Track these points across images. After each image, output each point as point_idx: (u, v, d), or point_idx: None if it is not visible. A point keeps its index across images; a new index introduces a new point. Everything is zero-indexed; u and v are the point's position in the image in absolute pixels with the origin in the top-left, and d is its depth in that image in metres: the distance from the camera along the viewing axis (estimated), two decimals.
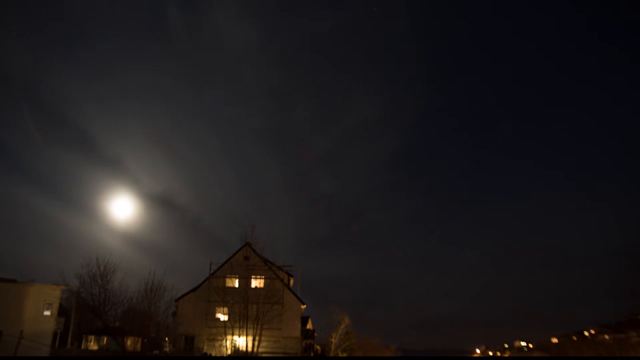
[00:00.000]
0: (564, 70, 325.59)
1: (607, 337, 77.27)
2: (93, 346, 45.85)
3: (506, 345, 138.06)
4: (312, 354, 49.45)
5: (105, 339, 44.55)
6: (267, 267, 37.08)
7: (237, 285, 36.62)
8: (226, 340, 33.37)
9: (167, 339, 40.19)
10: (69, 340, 44.67)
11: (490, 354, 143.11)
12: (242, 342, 32.97)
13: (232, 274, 37.01)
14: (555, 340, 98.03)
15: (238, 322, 32.69)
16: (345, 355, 50.04)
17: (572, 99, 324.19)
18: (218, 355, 33.78)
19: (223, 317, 35.14)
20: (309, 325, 57.10)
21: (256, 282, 37.01)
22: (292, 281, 41.09)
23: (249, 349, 31.85)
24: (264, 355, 33.40)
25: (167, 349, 38.27)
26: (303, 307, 38.12)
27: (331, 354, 48.73)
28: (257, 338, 32.06)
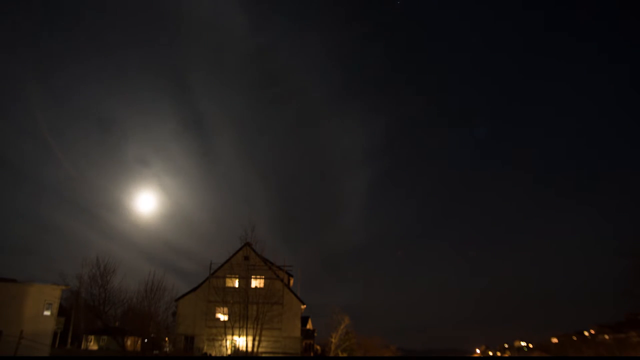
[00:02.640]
0: (540, 72, 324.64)
1: (607, 337, 77.18)
2: (93, 346, 45.92)
3: (506, 345, 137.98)
4: (312, 354, 49.48)
5: (105, 339, 44.62)
6: (267, 267, 37.09)
7: (237, 285, 36.62)
8: (226, 340, 33.36)
9: (167, 339, 40.22)
10: (69, 340, 44.71)
11: (490, 354, 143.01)
12: (242, 342, 32.97)
13: (232, 274, 37.02)
14: (555, 340, 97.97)
15: (238, 322, 32.69)
16: (345, 355, 50.04)
17: (552, 99, 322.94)
18: (218, 355, 33.79)
19: (223, 317, 35.15)
20: (309, 325, 57.10)
21: (256, 282, 37.02)
22: (292, 281, 41.10)
23: (249, 349, 31.85)
24: (264, 355, 33.40)
25: (167, 349, 38.30)
26: (303, 307, 38.12)
27: (331, 354, 48.73)
28: (257, 338, 32.06)
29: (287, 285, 38.55)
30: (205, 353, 33.95)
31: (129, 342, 35.68)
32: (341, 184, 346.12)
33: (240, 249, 37.69)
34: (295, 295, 37.86)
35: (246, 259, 37.21)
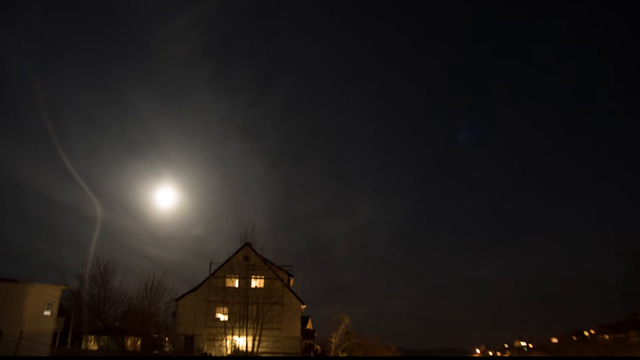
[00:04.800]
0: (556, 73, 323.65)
1: (606, 337, 77.23)
2: (93, 346, 45.93)
3: (506, 345, 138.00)
4: (312, 354, 49.45)
5: (105, 339, 44.60)
6: (267, 267, 37.07)
7: (237, 285, 36.62)
8: (226, 340, 33.36)
9: (167, 339, 40.20)
10: (69, 340, 44.74)
11: (490, 354, 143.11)
12: (242, 342, 32.98)
13: (232, 274, 37.01)
14: (555, 340, 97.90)
15: (238, 322, 32.69)
16: (345, 355, 50.02)
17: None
18: (218, 355, 33.79)
19: (223, 317, 35.14)
20: (309, 325, 57.10)
21: (256, 282, 37.01)
22: (292, 281, 41.09)
23: (249, 349, 31.85)
24: (264, 355, 33.40)
25: (167, 349, 38.28)
26: (303, 307, 38.11)
27: (331, 354, 48.71)
28: (257, 338, 32.07)
29: (287, 285, 38.54)
30: (205, 353, 33.94)
31: (129, 342, 35.63)
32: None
33: (240, 249, 37.65)
34: (295, 295, 37.85)
35: (246, 259, 37.18)
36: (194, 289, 37.47)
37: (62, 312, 38.70)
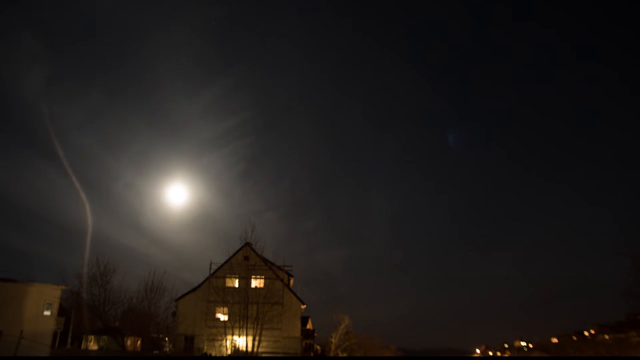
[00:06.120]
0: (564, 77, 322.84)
1: (607, 337, 77.36)
2: (93, 346, 45.90)
3: (506, 345, 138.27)
4: (312, 354, 49.48)
5: (105, 339, 44.59)
6: (267, 267, 37.07)
7: (237, 285, 36.62)
8: (226, 340, 33.37)
9: (167, 339, 40.22)
10: (69, 340, 44.78)
11: (490, 354, 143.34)
12: (242, 342, 32.97)
13: (232, 274, 37.01)
14: (555, 340, 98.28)
15: (238, 322, 32.69)
16: (345, 355, 50.06)
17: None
18: (218, 355, 33.79)
19: (223, 317, 35.13)
20: (309, 325, 57.10)
21: (256, 282, 37.01)
22: (292, 281, 41.08)
23: (249, 349, 31.85)
24: (264, 355, 33.41)
25: (167, 349, 38.31)
26: (303, 307, 38.11)
27: (331, 354, 48.75)
28: (257, 338, 32.07)
29: (287, 285, 38.54)
30: (205, 353, 33.95)
31: (129, 342, 35.67)
32: None
33: (240, 249, 37.66)
34: (295, 295, 37.85)
35: (246, 259, 37.18)
36: (194, 289, 37.46)
37: (62, 312, 38.74)
